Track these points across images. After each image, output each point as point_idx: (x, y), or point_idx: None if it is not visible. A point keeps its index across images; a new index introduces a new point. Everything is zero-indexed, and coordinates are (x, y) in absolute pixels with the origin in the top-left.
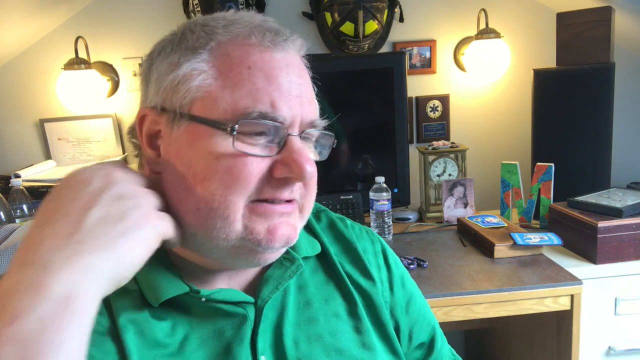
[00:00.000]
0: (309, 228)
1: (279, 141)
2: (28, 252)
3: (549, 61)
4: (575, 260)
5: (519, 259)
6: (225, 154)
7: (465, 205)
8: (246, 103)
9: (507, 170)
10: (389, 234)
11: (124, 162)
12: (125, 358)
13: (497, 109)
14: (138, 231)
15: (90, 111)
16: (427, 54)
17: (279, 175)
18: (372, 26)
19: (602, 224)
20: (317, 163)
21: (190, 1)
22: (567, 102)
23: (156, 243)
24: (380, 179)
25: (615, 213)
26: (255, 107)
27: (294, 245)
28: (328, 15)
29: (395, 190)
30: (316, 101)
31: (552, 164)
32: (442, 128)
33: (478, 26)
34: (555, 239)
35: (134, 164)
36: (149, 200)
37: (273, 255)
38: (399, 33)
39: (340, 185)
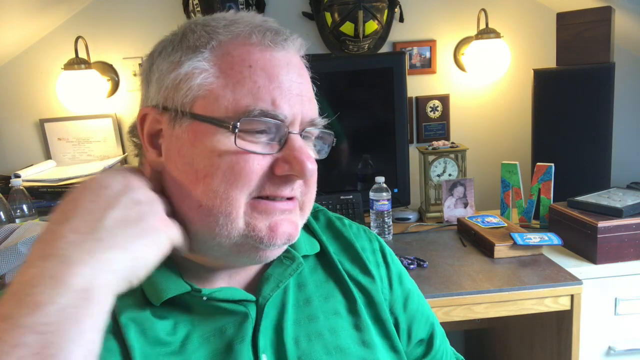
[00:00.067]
0: (307, 227)
1: (280, 139)
2: (48, 245)
3: (549, 61)
4: (575, 260)
5: (519, 259)
6: (227, 152)
7: (465, 205)
8: (247, 101)
9: (507, 170)
10: (389, 234)
11: (138, 169)
12: (128, 356)
13: (497, 109)
14: (153, 235)
15: (90, 111)
16: (427, 54)
17: (280, 173)
18: (372, 26)
19: (602, 224)
20: (318, 163)
21: (190, 1)
22: (567, 102)
23: (168, 248)
24: (380, 179)
25: (615, 213)
26: (257, 105)
27: (293, 244)
28: (328, 15)
29: (395, 190)
30: (315, 100)
31: (552, 164)
32: (442, 128)
33: (478, 26)
34: (555, 239)
35: (134, 164)
36: (162, 207)
37: (275, 253)
38: (399, 33)
39: (340, 185)
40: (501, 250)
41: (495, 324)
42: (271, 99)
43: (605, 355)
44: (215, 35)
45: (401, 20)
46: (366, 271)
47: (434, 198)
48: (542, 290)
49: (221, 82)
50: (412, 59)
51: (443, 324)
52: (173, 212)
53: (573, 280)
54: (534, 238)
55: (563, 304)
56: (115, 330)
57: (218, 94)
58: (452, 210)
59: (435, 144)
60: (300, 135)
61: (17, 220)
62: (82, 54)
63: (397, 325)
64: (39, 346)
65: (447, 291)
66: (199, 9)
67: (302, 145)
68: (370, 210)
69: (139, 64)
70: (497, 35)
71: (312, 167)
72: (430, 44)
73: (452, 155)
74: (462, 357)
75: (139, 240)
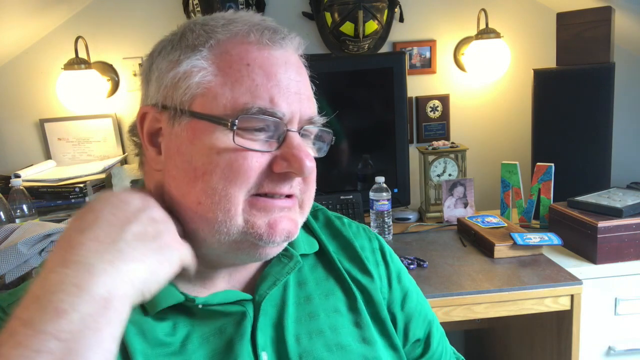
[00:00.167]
0: (307, 226)
1: (279, 137)
2: (68, 252)
3: (549, 61)
4: (575, 260)
5: (519, 259)
6: (226, 149)
7: (465, 205)
8: (246, 99)
9: (507, 170)
10: (388, 234)
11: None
12: (129, 358)
13: (497, 109)
14: (168, 252)
15: (90, 111)
16: (427, 54)
17: (279, 170)
18: (372, 26)
19: (602, 224)
20: (317, 162)
21: (190, 1)
22: (567, 102)
23: (179, 267)
24: (380, 179)
25: (615, 213)
26: (255, 103)
27: (292, 243)
28: (328, 15)
29: (395, 190)
30: (314, 99)
31: (552, 164)
32: (442, 128)
33: (478, 26)
34: (555, 239)
35: (134, 164)
36: (175, 227)
37: (274, 250)
38: (399, 33)
39: (340, 185)
40: (501, 250)
41: (495, 324)
42: (269, 96)
43: (605, 355)
44: (213, 34)
45: (401, 20)
46: (365, 270)
47: (434, 198)
48: (542, 290)
49: (219, 81)
50: (412, 59)
51: (443, 324)
52: (184, 234)
53: (573, 280)
54: (534, 238)
55: (563, 304)
56: None
57: (216, 92)
58: (452, 210)
59: (435, 144)
60: (299, 133)
61: (17, 220)
62: (82, 54)
63: (394, 323)
64: (60, 353)
65: (447, 291)
66: (199, 9)
67: (301, 143)
68: (370, 210)
69: (139, 64)
70: (497, 35)
71: (310, 165)
72: (430, 44)
73: (452, 155)
74: (462, 357)
75: (155, 256)
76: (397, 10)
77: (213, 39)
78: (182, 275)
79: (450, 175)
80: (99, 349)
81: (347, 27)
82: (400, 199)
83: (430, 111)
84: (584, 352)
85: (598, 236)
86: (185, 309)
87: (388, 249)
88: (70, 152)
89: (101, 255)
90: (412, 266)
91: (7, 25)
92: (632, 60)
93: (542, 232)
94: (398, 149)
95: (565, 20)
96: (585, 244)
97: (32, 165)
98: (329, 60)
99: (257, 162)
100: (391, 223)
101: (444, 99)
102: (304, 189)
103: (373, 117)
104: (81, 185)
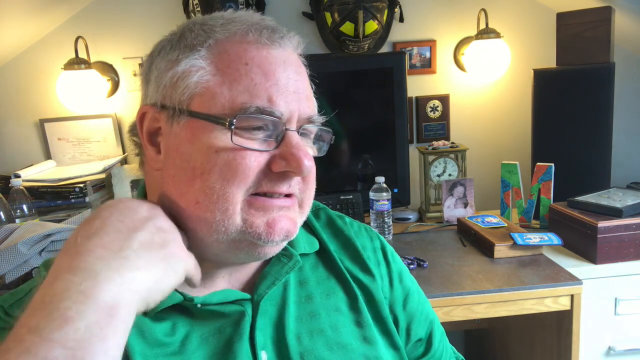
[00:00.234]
0: (308, 225)
1: (277, 136)
2: (75, 258)
3: (549, 61)
4: (575, 260)
5: (519, 259)
6: (224, 148)
7: (465, 205)
8: (244, 98)
9: (507, 170)
10: (389, 234)
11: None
12: (128, 359)
13: (497, 109)
14: (173, 261)
15: (90, 111)
16: (427, 54)
17: (277, 169)
18: (372, 26)
19: (602, 224)
20: (317, 163)
21: (190, 1)
22: (567, 102)
23: (183, 278)
24: (380, 179)
25: (615, 213)
26: (253, 102)
27: (292, 242)
28: (328, 15)
29: (395, 190)
30: (314, 98)
31: (552, 164)
32: (442, 128)
33: (478, 26)
34: (555, 239)
35: (134, 164)
36: (181, 238)
37: (274, 249)
38: (399, 33)
39: (340, 185)
40: (501, 250)
41: (495, 324)
42: (267, 96)
43: (605, 355)
44: (212, 33)
45: (401, 20)
46: (366, 269)
47: (434, 198)
48: (542, 290)
49: (218, 80)
50: (412, 59)
51: (443, 324)
52: (190, 246)
53: (573, 280)
54: (534, 238)
55: (563, 304)
56: None
57: (215, 91)
58: (452, 210)
59: (435, 144)
60: (298, 133)
61: (17, 220)
62: (82, 54)
63: (396, 323)
64: None
65: (447, 291)
66: (198, 9)
67: (299, 142)
68: (370, 210)
69: (139, 64)
70: (497, 35)
71: (309, 164)
72: (430, 44)
73: (452, 155)
74: (462, 356)
75: (160, 265)
76: (397, 10)
77: (211, 39)
78: (186, 284)
79: (450, 175)
80: (105, 357)
81: (347, 27)
82: (400, 199)
83: (430, 111)
84: (584, 352)
85: (598, 236)
86: (184, 309)
87: (389, 249)
88: (70, 152)
89: (108, 262)
90: (412, 266)
91: (7, 25)
92: (632, 60)
93: (542, 232)
94: (398, 149)
95: (565, 20)
96: (585, 244)
97: (32, 165)
98: (329, 60)
99: (255, 161)
100: (391, 223)
101: (444, 99)
102: (303, 188)
103: (373, 117)
104: (81, 185)
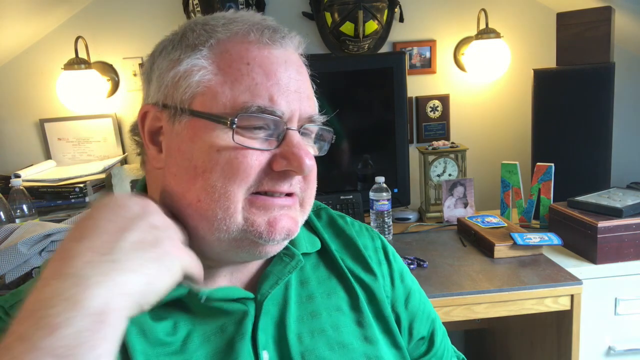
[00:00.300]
0: (309, 225)
1: (278, 135)
2: (64, 263)
3: (549, 61)
4: (575, 260)
5: (519, 259)
6: (225, 147)
7: (465, 205)
8: (245, 98)
9: (507, 170)
10: (389, 233)
11: (150, 196)
12: (128, 358)
13: (497, 109)
14: (167, 261)
15: (90, 111)
16: (427, 54)
17: (278, 168)
18: (372, 26)
19: (602, 224)
20: (317, 163)
21: (190, 1)
22: (567, 102)
23: (180, 276)
24: (380, 179)
25: (615, 213)
26: (254, 102)
27: (293, 242)
28: (328, 15)
29: (395, 190)
30: (315, 98)
31: (552, 164)
32: (442, 128)
33: (478, 26)
34: (555, 239)
35: (134, 164)
36: (178, 234)
37: (275, 248)
38: (399, 33)
39: (340, 185)
40: (501, 250)
41: (495, 324)
42: (269, 95)
43: (605, 355)
44: (214, 33)
45: (401, 20)
46: (368, 269)
47: (434, 198)
48: (542, 290)
49: (219, 79)
50: (412, 59)
51: (443, 324)
52: (191, 245)
53: (573, 280)
54: (534, 238)
55: (563, 304)
56: None
57: (216, 90)
58: (452, 210)
59: (435, 144)
60: (299, 132)
61: (17, 220)
62: (82, 54)
63: (398, 322)
64: None
65: (447, 291)
66: (198, 8)
67: (300, 141)
68: (370, 210)
69: (139, 64)
70: (497, 35)
71: (310, 163)
72: (430, 44)
73: (452, 155)
74: (463, 356)
75: (153, 265)
76: (397, 10)
77: (213, 39)
78: (189, 283)
79: (450, 175)
80: None
81: (347, 27)
82: (400, 199)
83: (430, 111)
84: (584, 352)
85: (598, 236)
86: (186, 308)
87: (390, 248)
88: (70, 152)
89: (96, 266)
90: (412, 266)
91: (7, 25)
92: (632, 60)
93: (542, 232)
94: (398, 149)
95: (565, 20)
96: (585, 244)
97: (32, 165)
98: (329, 60)
99: (256, 160)
100: (391, 223)
101: (444, 99)
102: (304, 187)
103: (373, 117)
104: (81, 185)
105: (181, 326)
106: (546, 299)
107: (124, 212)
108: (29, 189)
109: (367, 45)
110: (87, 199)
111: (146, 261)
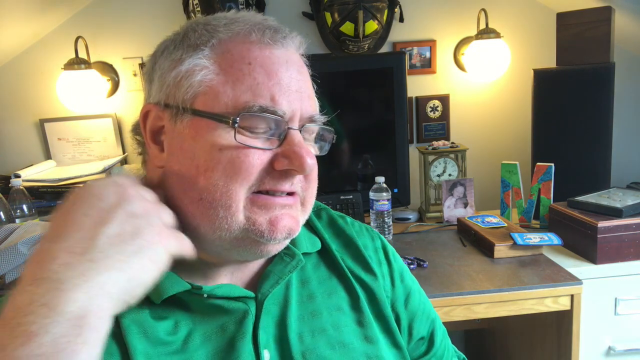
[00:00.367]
0: (309, 225)
1: (280, 134)
2: (40, 267)
3: (549, 61)
4: (575, 260)
5: (519, 259)
6: (227, 146)
7: (465, 205)
8: (247, 97)
9: (507, 170)
10: (389, 233)
11: (136, 178)
12: (129, 358)
13: (497, 109)
14: (150, 251)
15: (90, 111)
16: (427, 54)
17: (280, 168)
18: (372, 26)
19: (602, 224)
20: (318, 163)
21: (191, 1)
22: (567, 102)
23: (167, 262)
24: (380, 179)
25: (615, 213)
26: (256, 102)
27: (294, 241)
28: (328, 15)
29: (395, 190)
30: (315, 97)
31: (552, 164)
32: (442, 128)
33: (478, 26)
34: (555, 239)
35: (135, 163)
36: (162, 217)
37: (276, 247)
38: (399, 33)
39: (340, 185)
40: (501, 250)
41: (495, 324)
42: (270, 95)
43: (605, 355)
44: (215, 33)
45: (401, 20)
46: (368, 269)
47: (434, 198)
48: (542, 290)
49: (221, 79)
50: (412, 59)
51: (443, 324)
52: (179, 223)
53: (573, 280)
54: (534, 238)
55: (563, 304)
56: (116, 333)
57: (218, 90)
58: (452, 210)
59: (435, 144)
60: (300, 131)
61: (17, 220)
62: (82, 54)
63: (398, 322)
64: None
65: (447, 291)
66: (199, 9)
67: (301, 141)
68: (370, 210)
69: (139, 64)
70: (497, 35)
71: (311, 162)
72: (430, 44)
73: (452, 155)
74: (463, 355)
75: (134, 259)
76: (397, 10)
77: (215, 39)
78: (183, 264)
79: (450, 175)
80: None
81: (347, 27)
82: (400, 199)
83: (430, 111)
84: (584, 352)
85: (598, 236)
86: (187, 307)
87: (390, 248)
88: (70, 152)
89: (72, 268)
90: (412, 266)
91: (7, 25)
92: (632, 60)
93: (542, 232)
94: (398, 149)
95: (565, 20)
96: (585, 244)
97: (32, 165)
98: (329, 60)
99: (258, 159)
100: (391, 223)
101: (444, 99)
102: (305, 187)
103: (373, 117)
104: (81, 185)
105: (182, 325)
106: (546, 299)
107: (100, 202)
108: (29, 189)
109: (367, 45)
110: None
111: (126, 256)
